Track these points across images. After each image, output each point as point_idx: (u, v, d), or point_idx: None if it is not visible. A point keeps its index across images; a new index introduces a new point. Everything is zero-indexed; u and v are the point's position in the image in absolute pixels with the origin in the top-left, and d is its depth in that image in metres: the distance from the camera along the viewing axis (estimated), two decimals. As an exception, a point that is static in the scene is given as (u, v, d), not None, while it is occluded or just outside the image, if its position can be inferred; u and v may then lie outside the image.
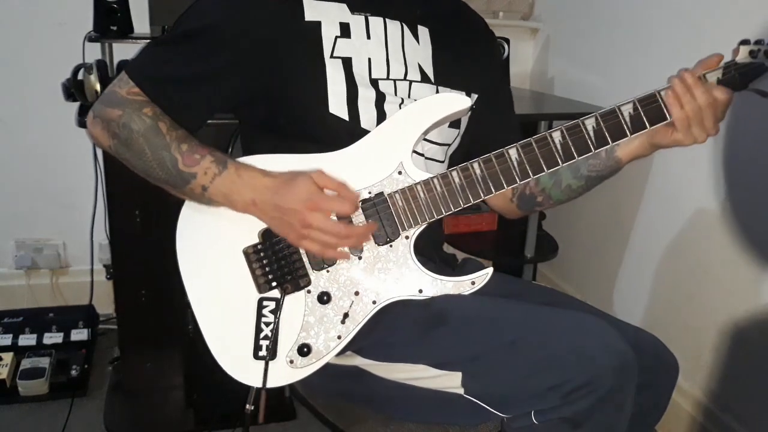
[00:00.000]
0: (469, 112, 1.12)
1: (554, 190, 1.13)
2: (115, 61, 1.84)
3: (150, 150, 0.95)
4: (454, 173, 0.98)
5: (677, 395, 1.71)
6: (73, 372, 1.89)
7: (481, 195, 0.98)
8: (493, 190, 0.97)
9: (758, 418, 1.57)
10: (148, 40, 1.73)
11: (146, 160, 0.96)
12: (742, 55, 0.92)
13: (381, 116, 1.03)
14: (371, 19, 1.06)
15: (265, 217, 0.95)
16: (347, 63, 1.02)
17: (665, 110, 0.94)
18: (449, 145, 1.13)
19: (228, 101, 1.06)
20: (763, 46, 0.91)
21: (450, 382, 0.93)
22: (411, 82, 1.07)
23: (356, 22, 1.04)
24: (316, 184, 0.93)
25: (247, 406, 1.01)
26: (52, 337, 2.00)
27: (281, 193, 0.93)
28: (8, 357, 1.89)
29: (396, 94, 1.06)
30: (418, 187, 0.98)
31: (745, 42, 0.93)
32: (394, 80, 1.06)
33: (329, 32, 1.02)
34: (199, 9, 1.02)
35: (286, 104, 1.03)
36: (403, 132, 0.99)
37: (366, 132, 1.01)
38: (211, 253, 1.00)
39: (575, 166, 1.08)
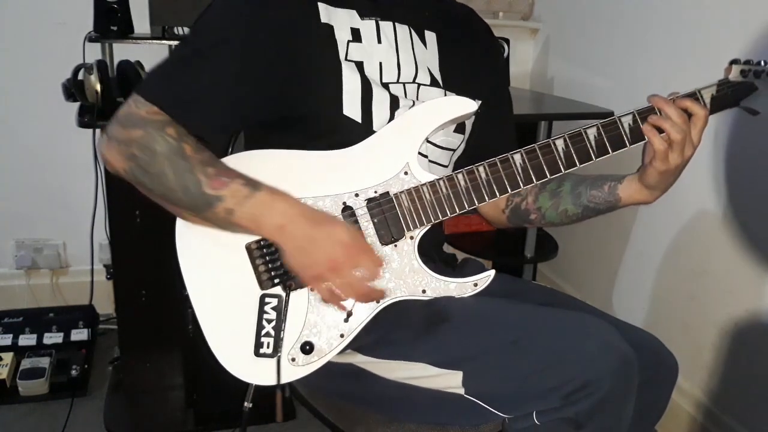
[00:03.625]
0: (473, 117, 1.12)
1: (550, 211, 1.14)
2: (116, 61, 1.84)
3: (173, 172, 0.90)
4: (460, 176, 0.98)
5: (677, 395, 1.71)
6: (73, 372, 1.89)
7: (486, 198, 0.98)
8: (497, 194, 0.98)
9: (758, 418, 1.58)
10: (149, 40, 1.73)
11: (166, 182, 0.90)
12: (734, 74, 0.97)
13: (393, 119, 1.02)
14: (381, 23, 1.05)
15: (289, 245, 0.92)
16: (360, 66, 1.02)
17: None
18: (454, 150, 1.13)
19: (249, 108, 1.01)
20: (752, 66, 0.95)
21: (450, 381, 0.93)
22: (419, 85, 1.07)
23: (366, 26, 1.04)
24: (352, 234, 0.93)
25: (245, 404, 1.00)
26: (52, 337, 2.00)
27: (320, 229, 0.91)
28: (8, 357, 1.89)
29: (406, 97, 1.05)
30: (424, 188, 0.98)
31: (735, 62, 0.97)
32: (404, 83, 1.06)
33: (342, 36, 1.01)
34: (214, 14, 0.98)
35: (299, 104, 1.01)
36: (409, 133, 0.99)
37: None
38: (213, 248, 0.98)
39: (577, 193, 1.09)
